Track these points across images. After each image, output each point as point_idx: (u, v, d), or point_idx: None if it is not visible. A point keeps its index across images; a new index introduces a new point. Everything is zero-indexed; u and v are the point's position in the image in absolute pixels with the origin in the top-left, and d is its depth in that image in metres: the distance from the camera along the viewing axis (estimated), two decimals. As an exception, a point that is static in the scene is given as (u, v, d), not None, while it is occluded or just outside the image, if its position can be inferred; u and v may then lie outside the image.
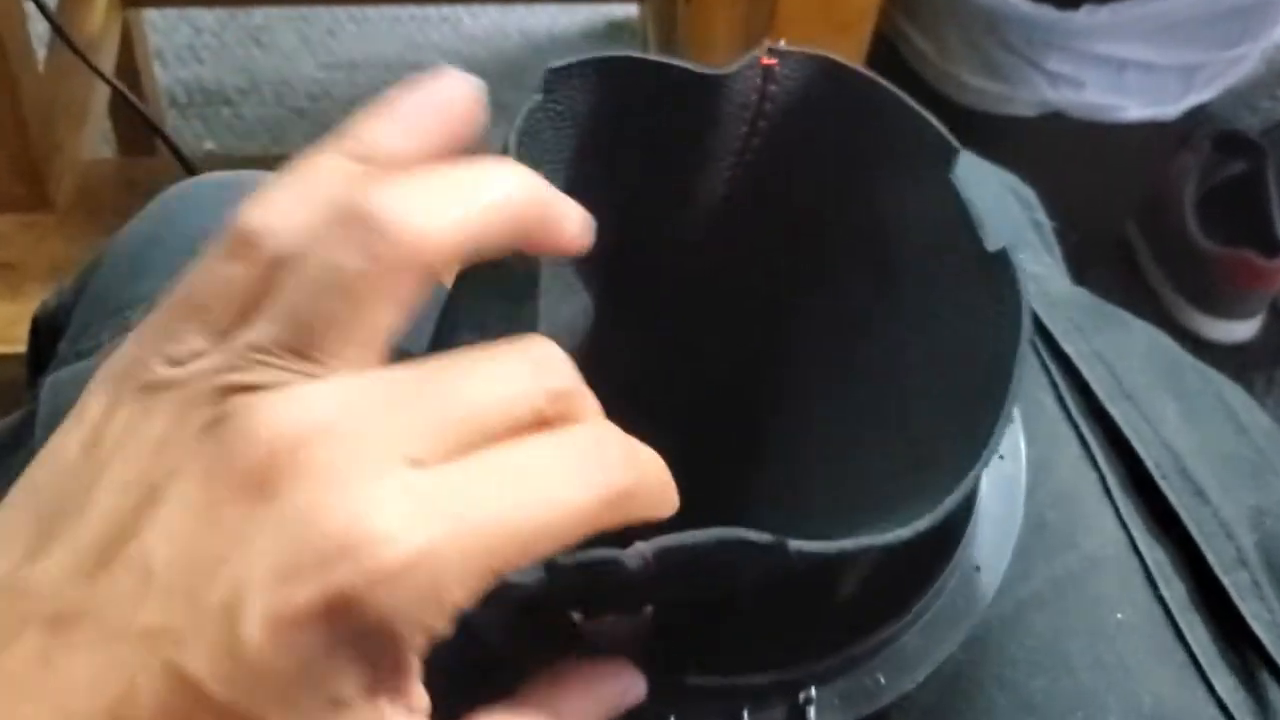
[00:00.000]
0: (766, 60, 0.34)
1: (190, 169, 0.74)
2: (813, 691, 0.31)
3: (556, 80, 0.31)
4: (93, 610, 0.20)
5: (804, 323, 0.39)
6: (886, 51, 1.02)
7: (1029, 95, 0.96)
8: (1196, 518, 0.38)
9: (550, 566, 0.23)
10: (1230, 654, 0.36)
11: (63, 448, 0.22)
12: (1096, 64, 0.93)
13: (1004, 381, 0.31)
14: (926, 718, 0.35)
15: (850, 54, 0.72)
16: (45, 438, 0.35)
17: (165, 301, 0.23)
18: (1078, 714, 0.34)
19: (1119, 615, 0.36)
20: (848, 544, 0.27)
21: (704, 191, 0.38)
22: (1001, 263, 0.33)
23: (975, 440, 0.31)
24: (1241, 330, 1.21)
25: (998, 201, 0.49)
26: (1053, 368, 0.41)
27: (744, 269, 0.40)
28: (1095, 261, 1.19)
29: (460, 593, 0.20)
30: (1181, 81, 0.96)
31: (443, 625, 0.20)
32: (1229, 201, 1.20)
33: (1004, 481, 0.36)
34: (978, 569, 0.34)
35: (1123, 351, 0.42)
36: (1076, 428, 0.40)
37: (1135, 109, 0.97)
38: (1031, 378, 0.41)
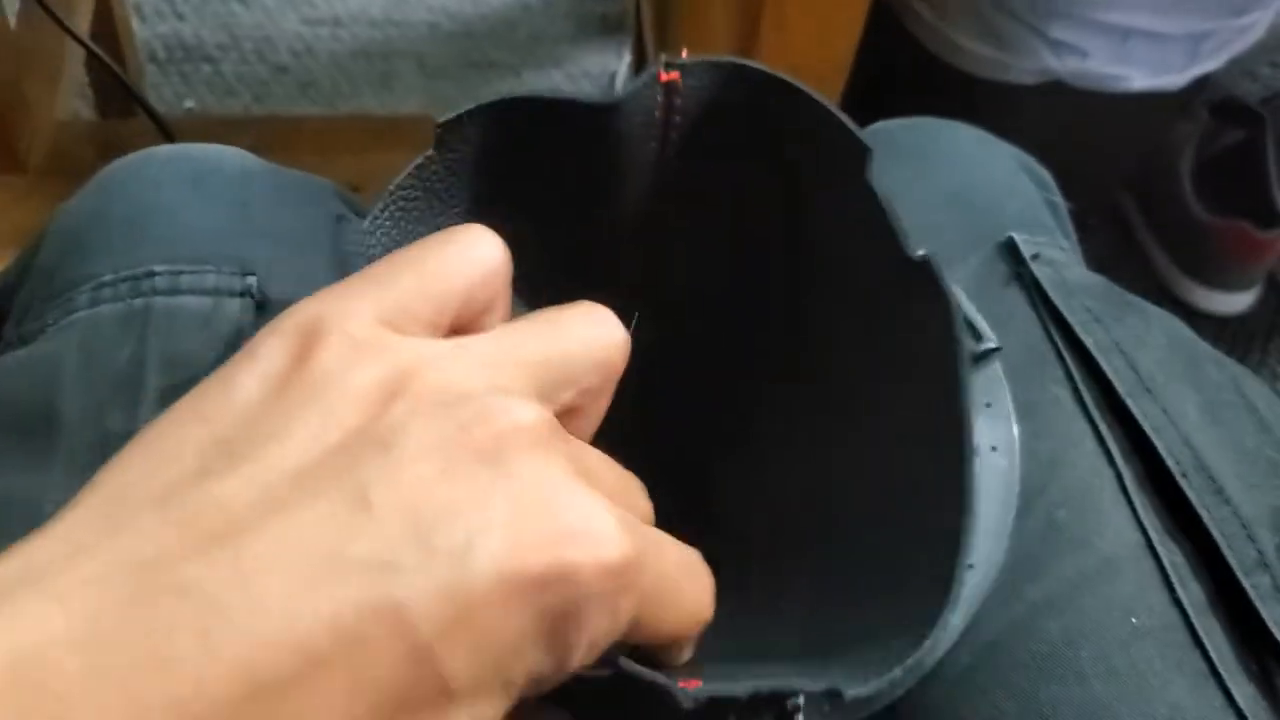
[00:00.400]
0: (666, 75, 0.33)
1: (168, 133, 0.71)
2: (800, 699, 0.31)
3: (447, 133, 0.31)
4: (291, 534, 0.20)
5: (755, 333, 0.38)
6: (886, 17, 0.99)
7: (1030, 63, 0.94)
8: (1217, 517, 0.37)
9: (617, 674, 0.24)
10: (1249, 660, 0.35)
11: (236, 383, 0.22)
12: (1101, 32, 0.91)
13: (955, 398, 0.30)
14: (935, 726, 0.34)
15: (851, 20, 0.70)
16: None
17: (390, 264, 0.25)
18: None
19: (1134, 620, 0.34)
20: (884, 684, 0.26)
21: (628, 212, 0.37)
22: (924, 271, 0.32)
23: (944, 484, 0.30)
24: (1238, 302, 1.20)
25: (1008, 182, 0.47)
26: (1069, 359, 0.40)
27: (681, 286, 0.39)
28: (1089, 232, 1.18)
29: (630, 613, 0.22)
30: (1187, 51, 0.94)
31: (613, 635, 0.22)
32: (1227, 171, 1.18)
33: (996, 475, 0.36)
34: (971, 566, 0.34)
35: (1142, 343, 0.40)
36: (1093, 423, 0.38)
37: (1139, 79, 0.95)
38: (1046, 370, 0.40)
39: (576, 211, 0.37)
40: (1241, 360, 0.42)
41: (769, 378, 0.38)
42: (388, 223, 0.32)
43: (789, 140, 0.34)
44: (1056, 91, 0.96)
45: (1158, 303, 0.43)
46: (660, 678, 0.25)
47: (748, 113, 0.34)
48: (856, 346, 0.35)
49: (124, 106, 1.09)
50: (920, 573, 0.29)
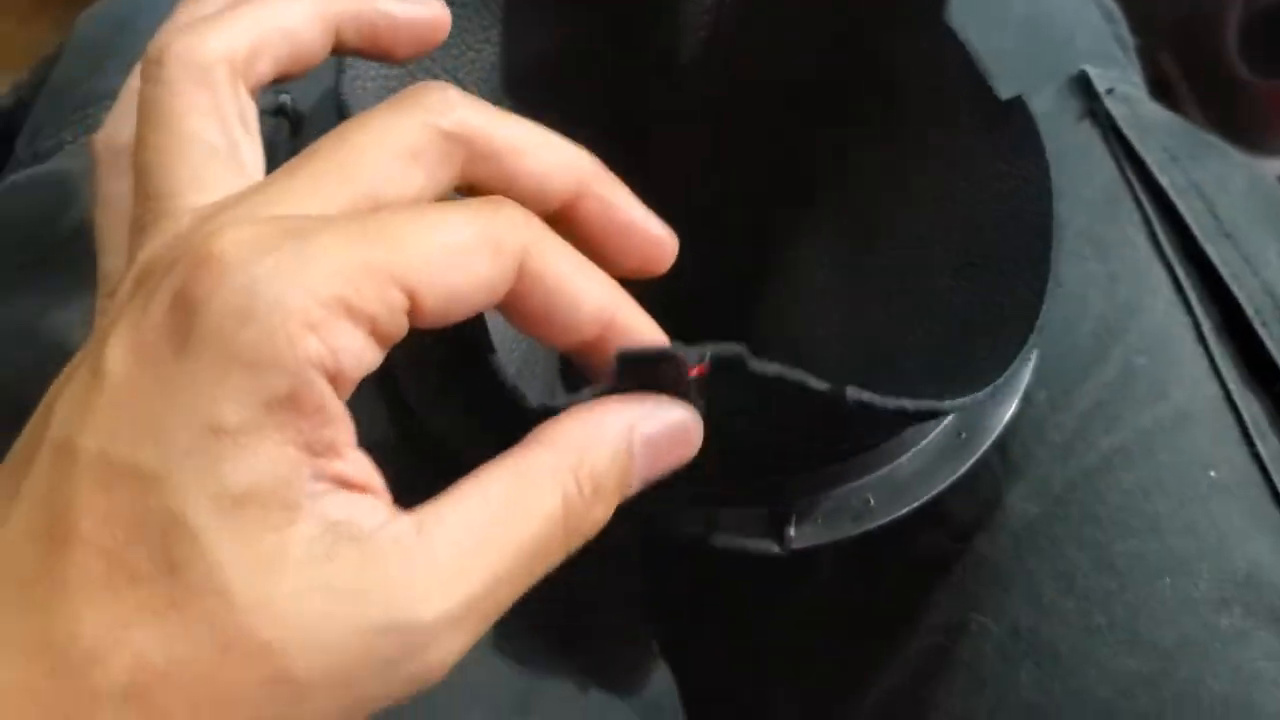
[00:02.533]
0: None
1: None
2: (793, 503, 0.31)
3: None
4: None
5: (806, 184, 0.38)
6: None
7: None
8: None
9: (622, 355, 0.23)
10: None
11: None
12: None
13: (1040, 245, 0.30)
14: (996, 577, 0.33)
15: None
16: (1, 247, 0.31)
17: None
18: (1165, 579, 0.31)
19: (1212, 474, 0.33)
20: (907, 403, 0.26)
21: (682, 60, 0.36)
22: (1017, 114, 0.31)
23: (1013, 309, 0.30)
24: None
25: (1078, 13, 0.44)
26: (1145, 201, 0.37)
27: (741, 138, 0.38)
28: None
29: (312, 315, 0.19)
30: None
31: (315, 351, 0.19)
32: (1274, 29, 1.14)
33: None
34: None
35: (1222, 185, 0.38)
36: (1170, 268, 0.36)
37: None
38: (1122, 211, 0.37)
39: (636, 57, 0.36)
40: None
41: (830, 243, 0.37)
42: None
43: None
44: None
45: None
46: (668, 346, 0.24)
47: None
48: (936, 201, 0.34)
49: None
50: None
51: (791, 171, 0.38)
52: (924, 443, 0.32)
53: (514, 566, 0.21)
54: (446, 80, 0.34)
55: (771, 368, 0.24)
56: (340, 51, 0.26)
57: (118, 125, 0.29)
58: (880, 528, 0.31)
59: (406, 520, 0.20)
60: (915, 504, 0.31)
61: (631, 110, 0.38)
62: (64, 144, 0.37)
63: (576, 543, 0.22)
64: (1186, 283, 0.36)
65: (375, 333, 0.20)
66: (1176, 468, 0.33)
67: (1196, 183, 0.38)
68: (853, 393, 0.25)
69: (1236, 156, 0.40)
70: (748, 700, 0.32)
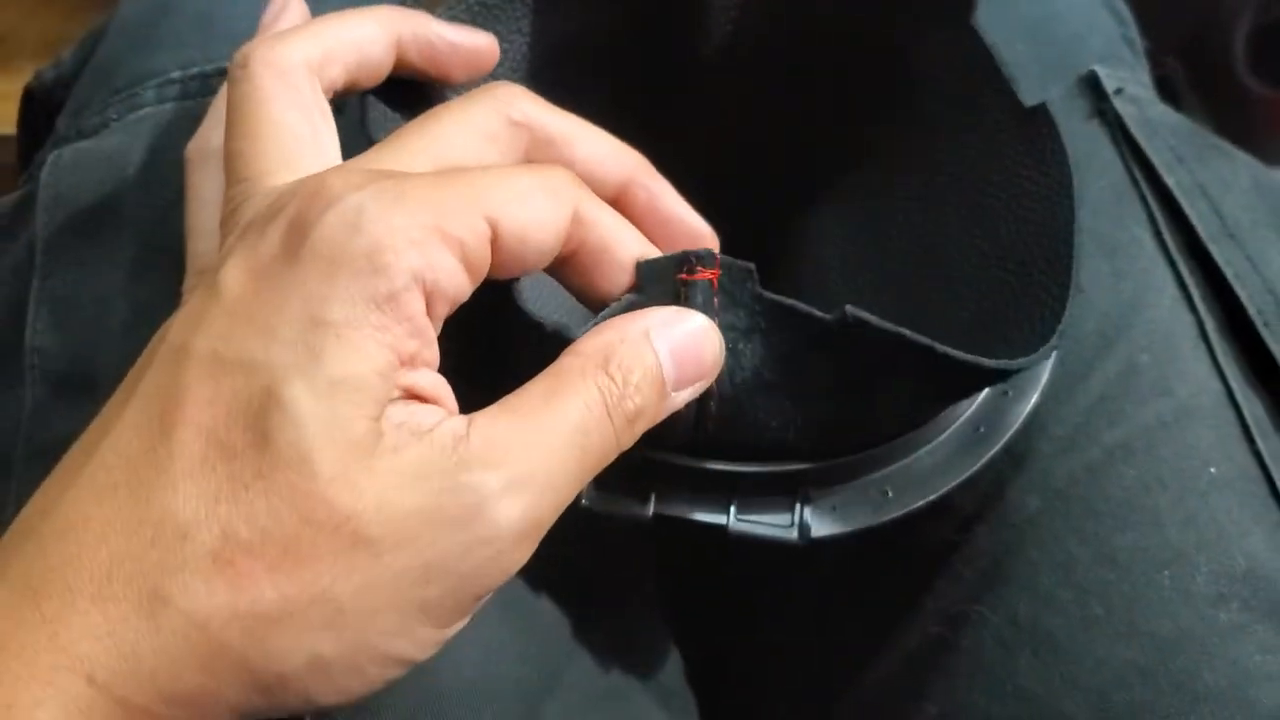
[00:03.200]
0: None
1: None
2: (810, 492, 0.31)
3: None
4: None
5: (828, 176, 0.38)
6: None
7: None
8: None
9: (641, 263, 0.26)
10: None
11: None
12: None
13: (1063, 248, 0.30)
14: (996, 568, 0.33)
15: None
16: (48, 220, 0.33)
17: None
18: (1164, 573, 0.32)
19: (1212, 469, 0.33)
20: (906, 332, 0.27)
21: (708, 52, 0.37)
22: (1042, 119, 0.32)
23: (1032, 308, 0.31)
24: (1284, 178, 1.17)
25: (1088, 14, 0.44)
26: (1151, 200, 0.38)
27: (759, 127, 0.39)
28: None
29: (413, 234, 0.22)
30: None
31: (417, 262, 0.22)
32: (1283, 40, 1.14)
33: None
34: (1006, 393, 0.33)
35: (1227, 186, 0.38)
36: (1174, 266, 0.36)
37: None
38: (1128, 210, 0.38)
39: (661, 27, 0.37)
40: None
41: (846, 230, 0.37)
42: (464, 16, 0.33)
43: None
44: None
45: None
46: (739, 260, 0.26)
47: None
48: (956, 198, 0.35)
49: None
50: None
51: (812, 165, 0.39)
52: (942, 436, 0.32)
53: (563, 447, 0.23)
54: None
55: (773, 296, 0.26)
56: (402, 69, 0.28)
57: (207, 134, 0.31)
58: (896, 520, 0.31)
59: (461, 419, 0.22)
60: (933, 496, 0.32)
61: (658, 100, 0.38)
62: (109, 122, 0.38)
63: (627, 434, 0.24)
64: (1190, 282, 0.36)
65: (465, 259, 0.22)
66: (1177, 463, 0.33)
67: (1202, 183, 0.38)
68: (851, 310, 0.26)
69: (1242, 158, 0.41)
70: (750, 685, 0.33)
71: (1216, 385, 0.35)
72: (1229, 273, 0.36)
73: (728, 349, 0.26)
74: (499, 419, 0.22)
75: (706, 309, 0.26)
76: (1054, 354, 0.34)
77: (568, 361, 0.24)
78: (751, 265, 0.26)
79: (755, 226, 0.40)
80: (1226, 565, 0.32)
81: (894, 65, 0.36)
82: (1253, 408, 0.34)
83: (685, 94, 0.38)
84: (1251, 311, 0.36)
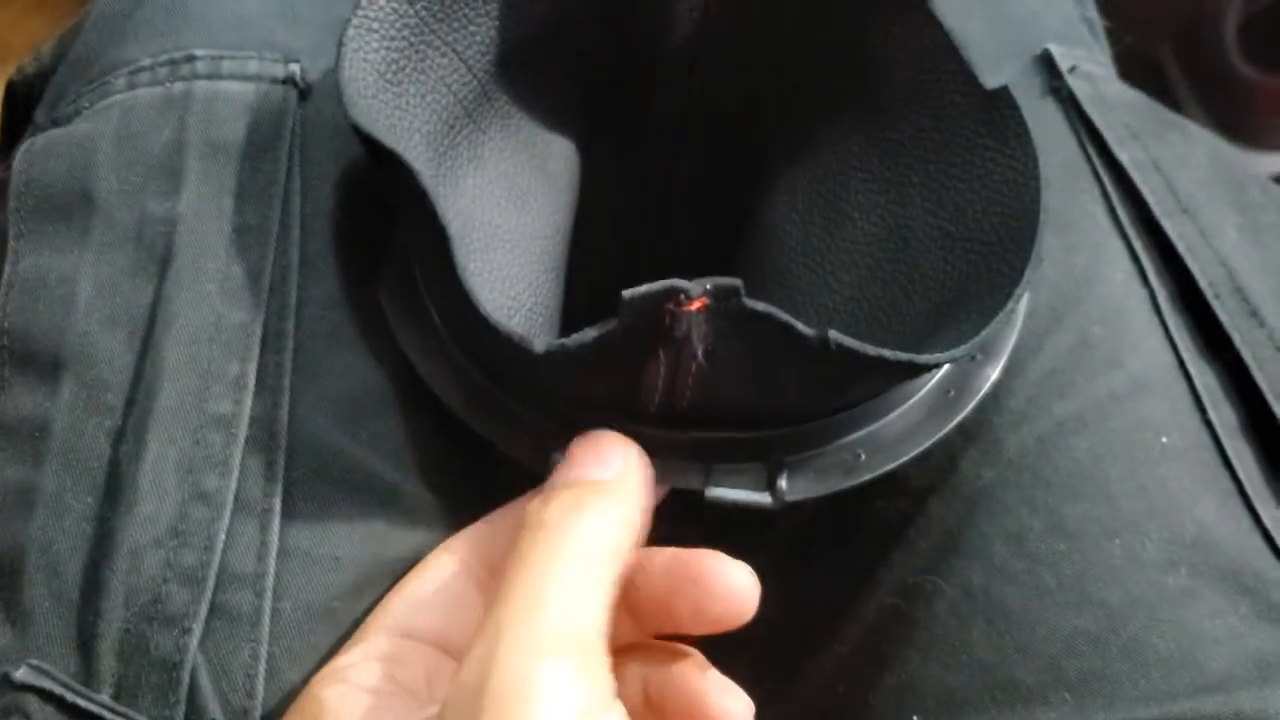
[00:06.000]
0: None
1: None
2: (784, 457, 0.31)
3: None
4: None
5: (790, 159, 0.38)
6: None
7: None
8: (1250, 340, 0.35)
9: (624, 296, 0.26)
10: (1278, 486, 0.34)
11: None
12: None
13: (1029, 228, 0.31)
14: (949, 539, 0.33)
15: None
16: (19, 207, 0.33)
17: None
18: (1115, 541, 0.32)
19: (1164, 439, 0.33)
20: (886, 353, 0.27)
21: (672, 43, 0.37)
22: (1004, 101, 0.33)
23: (995, 284, 0.31)
24: (1278, 163, 1.17)
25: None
26: (1105, 176, 0.38)
27: (722, 114, 0.39)
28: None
29: None
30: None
31: None
32: (1274, 26, 1.14)
33: None
34: (974, 358, 0.34)
35: (1182, 161, 0.39)
36: (1128, 241, 0.37)
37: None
38: (1081, 186, 0.38)
39: (626, 36, 0.37)
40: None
41: (811, 217, 0.38)
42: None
43: None
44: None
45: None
46: (668, 282, 0.26)
47: None
48: (921, 183, 0.35)
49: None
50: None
51: (773, 149, 0.39)
52: (913, 400, 0.33)
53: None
54: (448, 53, 0.35)
55: (762, 305, 0.26)
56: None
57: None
58: (870, 481, 0.32)
59: None
60: (905, 458, 0.32)
61: (622, 91, 0.39)
62: (81, 110, 0.38)
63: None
64: (1144, 256, 0.37)
65: None
66: (1129, 434, 0.33)
67: (1156, 158, 0.38)
68: (835, 336, 0.26)
69: (1199, 134, 0.41)
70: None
71: (1168, 357, 0.35)
72: (1181, 246, 0.37)
73: (705, 348, 0.27)
74: None
75: (693, 338, 0.27)
76: (1020, 320, 0.34)
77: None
78: (738, 282, 0.26)
79: (718, 212, 0.41)
80: (1177, 532, 0.32)
81: (856, 54, 0.36)
82: (1204, 378, 0.35)
83: (648, 86, 0.39)
84: (1203, 284, 0.36)
